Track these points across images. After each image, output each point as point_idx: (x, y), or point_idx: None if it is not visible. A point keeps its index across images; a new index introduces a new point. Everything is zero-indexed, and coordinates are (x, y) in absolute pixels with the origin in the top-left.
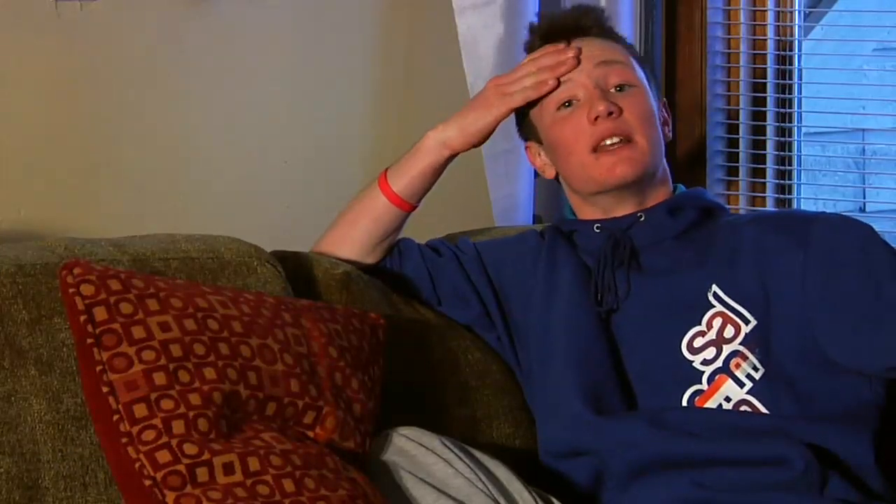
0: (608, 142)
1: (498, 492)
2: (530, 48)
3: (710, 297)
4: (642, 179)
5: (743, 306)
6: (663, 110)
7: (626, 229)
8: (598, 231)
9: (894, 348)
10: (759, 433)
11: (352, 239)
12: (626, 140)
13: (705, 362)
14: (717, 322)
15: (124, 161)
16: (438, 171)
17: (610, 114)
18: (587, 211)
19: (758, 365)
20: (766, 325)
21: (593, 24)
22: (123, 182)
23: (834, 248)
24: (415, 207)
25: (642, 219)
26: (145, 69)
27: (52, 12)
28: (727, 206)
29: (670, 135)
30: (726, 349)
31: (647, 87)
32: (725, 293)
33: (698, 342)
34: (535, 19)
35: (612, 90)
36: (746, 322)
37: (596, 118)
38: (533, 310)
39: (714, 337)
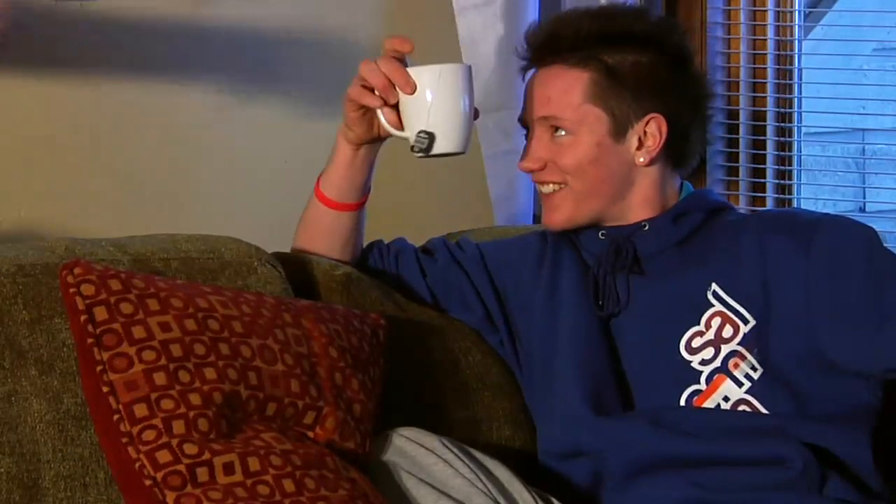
0: (542, 189)
1: (498, 492)
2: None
3: (710, 296)
4: (577, 223)
5: (742, 306)
6: (640, 134)
7: (629, 236)
8: (602, 238)
9: (894, 350)
10: (757, 433)
11: (318, 255)
12: (562, 184)
13: (703, 362)
14: (716, 322)
15: (124, 161)
16: (359, 163)
17: (531, 171)
18: None
19: (756, 365)
20: (765, 326)
21: (565, 47)
22: (123, 182)
23: (837, 251)
24: (361, 203)
25: (646, 227)
26: (145, 69)
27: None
28: (731, 204)
29: (646, 159)
30: (724, 349)
31: (598, 127)
32: (725, 292)
33: (696, 342)
34: (535, 22)
35: (551, 135)
36: (745, 322)
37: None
38: (535, 311)
39: (712, 337)
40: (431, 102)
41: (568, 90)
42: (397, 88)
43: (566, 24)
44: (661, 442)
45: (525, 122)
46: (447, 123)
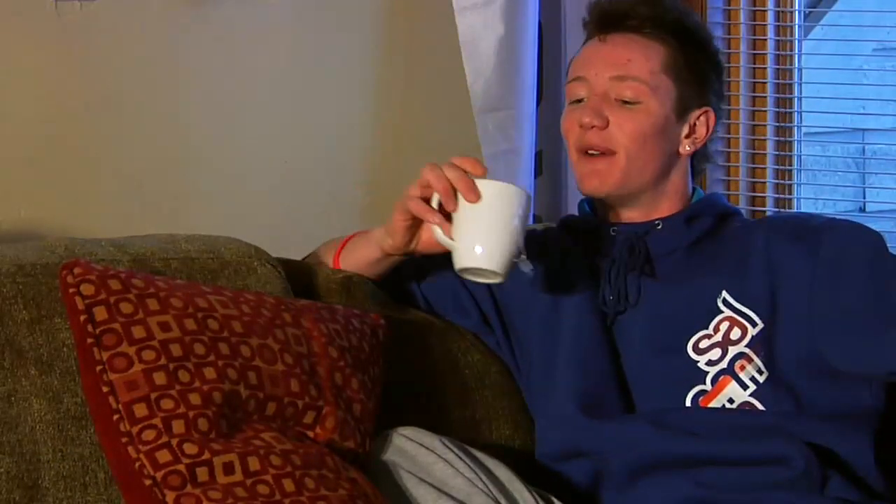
0: (590, 151)
1: (498, 492)
2: (585, 29)
3: (720, 303)
4: (619, 194)
5: (751, 309)
6: (695, 121)
7: (642, 235)
8: (614, 234)
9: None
10: (759, 432)
11: None
12: (609, 153)
13: (710, 363)
14: (725, 326)
15: (124, 161)
16: (383, 266)
17: (592, 127)
18: (603, 210)
19: (762, 368)
20: (772, 330)
21: (643, 18)
22: (123, 182)
23: (842, 257)
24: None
25: (659, 226)
26: (145, 69)
27: (52, 12)
28: (740, 210)
29: (690, 149)
30: (732, 350)
31: (667, 100)
32: (734, 298)
33: (704, 343)
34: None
35: (618, 101)
36: (753, 325)
37: (581, 126)
38: (535, 310)
39: (720, 339)
40: (490, 217)
41: (649, 56)
42: (459, 197)
43: (643, 4)
44: (663, 442)
45: (573, 91)
46: (497, 241)
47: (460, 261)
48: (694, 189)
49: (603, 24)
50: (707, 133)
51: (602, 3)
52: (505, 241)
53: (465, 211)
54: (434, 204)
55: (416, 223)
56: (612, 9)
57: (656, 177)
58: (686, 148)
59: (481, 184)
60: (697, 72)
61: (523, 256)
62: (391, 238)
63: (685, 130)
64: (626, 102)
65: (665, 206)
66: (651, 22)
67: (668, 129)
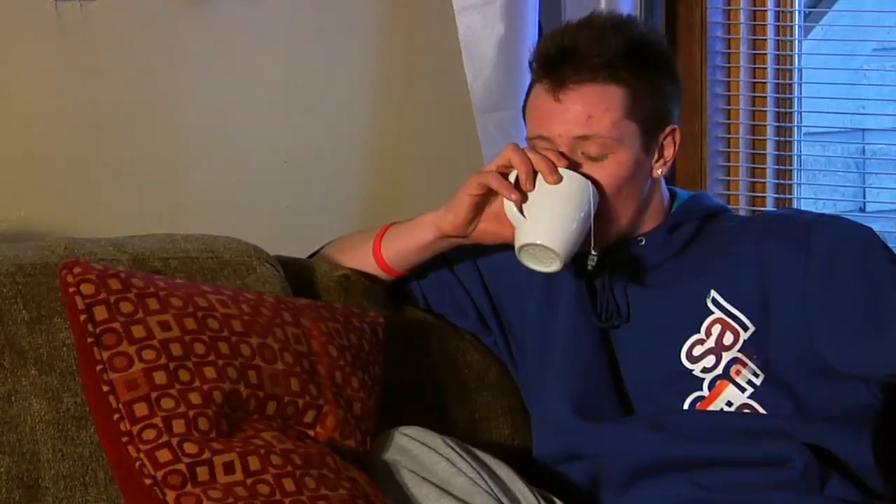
0: None
1: (500, 491)
2: (532, 68)
3: (709, 303)
4: (610, 243)
5: (742, 312)
6: (662, 145)
7: (626, 254)
8: (596, 254)
9: (894, 354)
10: (758, 434)
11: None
12: None
13: (705, 370)
14: (716, 329)
15: (124, 161)
16: (432, 250)
17: None
18: None
19: (758, 371)
20: (765, 332)
21: (598, 63)
22: (123, 182)
23: (834, 254)
24: (404, 275)
25: (643, 243)
26: (145, 69)
27: (52, 12)
28: (727, 207)
29: (662, 171)
30: (725, 356)
31: (634, 142)
32: (724, 298)
33: (697, 350)
34: (547, 37)
35: (587, 157)
36: (745, 328)
37: None
38: (531, 316)
39: (713, 344)
40: (565, 202)
41: (609, 107)
42: (538, 179)
43: (588, 40)
44: (662, 445)
45: (538, 146)
46: (567, 226)
47: (526, 236)
48: (673, 194)
49: (554, 72)
50: (675, 151)
51: (554, 41)
52: (574, 228)
53: (541, 191)
54: (511, 180)
55: (482, 202)
56: (565, 51)
57: (637, 213)
58: (658, 171)
59: (560, 170)
60: (658, 97)
61: (592, 253)
62: (452, 214)
63: (655, 157)
64: (594, 158)
65: (647, 223)
66: (605, 66)
67: (640, 168)
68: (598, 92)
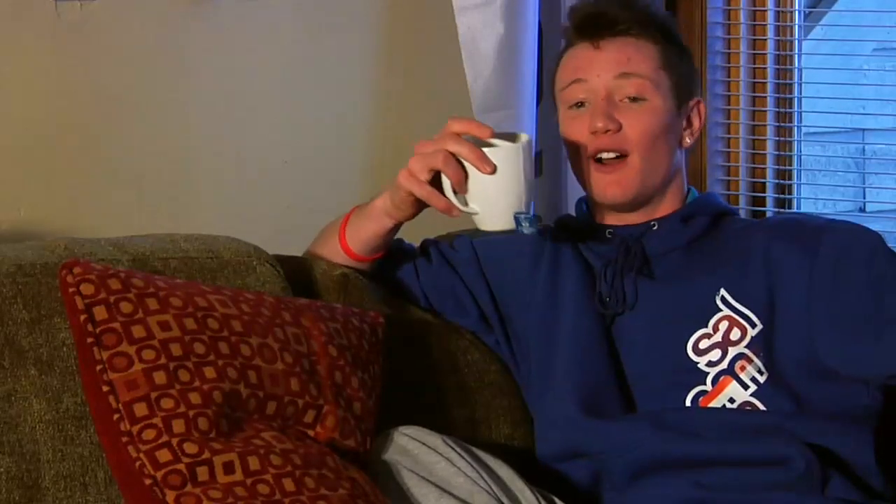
0: (604, 155)
1: (500, 491)
2: (566, 36)
3: (718, 301)
4: (637, 199)
5: (749, 310)
6: (690, 113)
7: (638, 237)
8: (609, 236)
9: (892, 357)
10: (759, 433)
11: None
12: (622, 155)
13: (710, 364)
14: (724, 325)
15: (124, 161)
16: (388, 235)
17: (607, 131)
18: (600, 212)
19: (763, 369)
20: (771, 331)
21: (632, 21)
22: (123, 182)
23: (841, 258)
24: (381, 256)
25: (655, 227)
26: (145, 69)
27: (52, 12)
28: (737, 210)
29: (690, 141)
30: (732, 351)
31: (669, 95)
32: (733, 297)
33: (704, 344)
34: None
35: (624, 100)
36: (753, 325)
37: (594, 131)
38: (534, 310)
39: (720, 339)
40: (504, 181)
41: (646, 54)
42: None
43: (617, 6)
44: (663, 443)
45: (572, 94)
46: (516, 201)
47: (484, 224)
48: (689, 189)
49: (591, 30)
50: (700, 124)
51: (585, 9)
52: (525, 197)
53: (480, 180)
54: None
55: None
56: (599, 13)
57: (667, 175)
58: (687, 141)
59: (490, 152)
60: (686, 61)
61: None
62: (401, 212)
63: (684, 123)
64: (632, 100)
65: (663, 207)
66: (638, 24)
67: (673, 125)
68: (635, 44)
